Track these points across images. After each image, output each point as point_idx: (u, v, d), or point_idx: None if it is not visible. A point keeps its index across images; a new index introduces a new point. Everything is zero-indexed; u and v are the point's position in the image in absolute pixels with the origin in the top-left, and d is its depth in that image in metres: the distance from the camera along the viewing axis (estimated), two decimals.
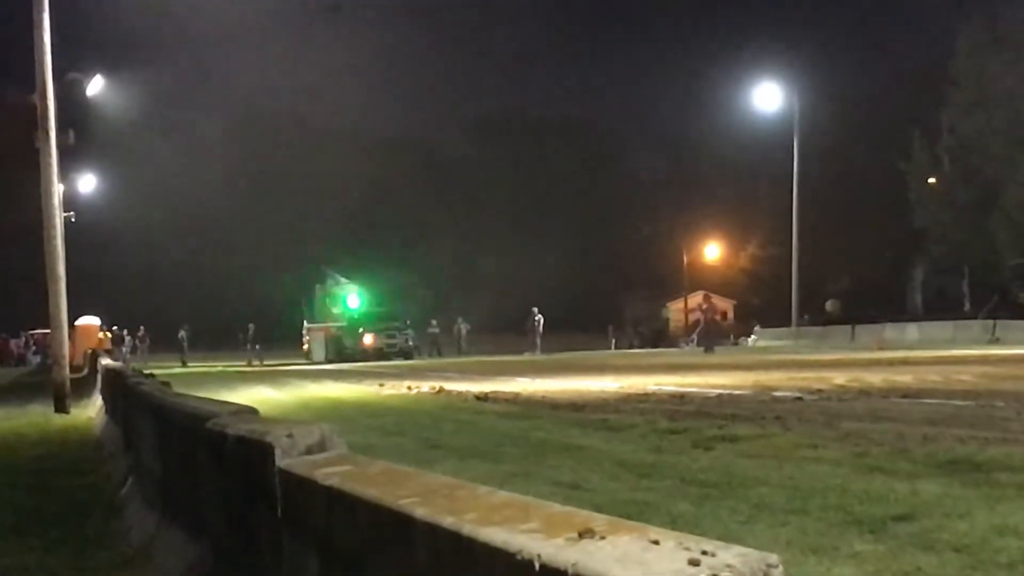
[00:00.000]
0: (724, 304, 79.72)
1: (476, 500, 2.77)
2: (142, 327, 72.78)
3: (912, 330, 57.70)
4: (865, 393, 18.20)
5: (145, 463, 10.12)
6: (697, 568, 1.86)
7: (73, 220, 56.37)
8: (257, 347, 68.68)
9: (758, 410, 15.42)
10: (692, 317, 70.50)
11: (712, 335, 53.53)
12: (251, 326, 70.13)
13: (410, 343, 64.05)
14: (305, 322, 69.02)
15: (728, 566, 1.86)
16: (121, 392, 14.53)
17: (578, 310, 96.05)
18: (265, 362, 65.25)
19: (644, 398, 19.39)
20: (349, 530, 3.34)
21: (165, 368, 47.49)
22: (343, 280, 68.73)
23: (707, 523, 7.29)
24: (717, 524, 7.27)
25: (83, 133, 33.68)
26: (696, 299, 79.21)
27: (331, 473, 3.59)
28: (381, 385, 28.67)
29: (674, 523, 7.02)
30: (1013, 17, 64.77)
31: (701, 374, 27.60)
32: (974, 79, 66.24)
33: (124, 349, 66.75)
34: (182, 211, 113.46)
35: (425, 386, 26.37)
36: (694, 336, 72.79)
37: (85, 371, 40.09)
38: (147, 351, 70.32)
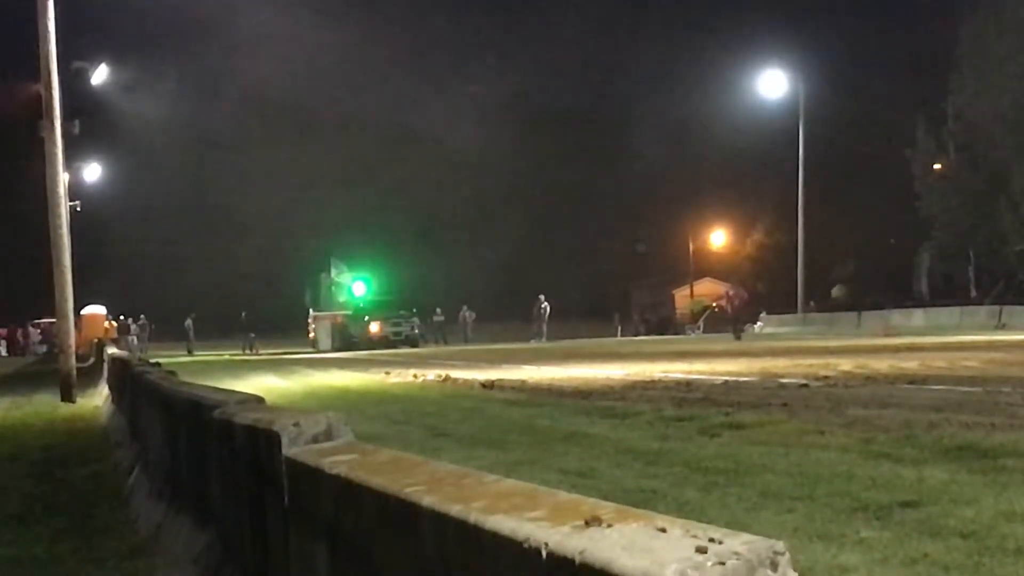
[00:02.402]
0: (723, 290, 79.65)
1: (483, 488, 2.78)
2: (142, 315, 72.86)
3: (918, 316, 57.64)
4: (871, 379, 18.19)
5: (152, 452, 10.15)
6: (704, 555, 1.86)
7: (79, 209, 56.49)
8: (252, 335, 68.80)
9: (764, 397, 15.43)
10: (718, 304, 70.33)
11: (741, 320, 53.29)
12: (244, 313, 70.30)
13: (415, 331, 64.07)
14: (311, 310, 69.15)
15: (735, 553, 1.86)
16: (127, 381, 14.56)
17: (584, 297, 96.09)
18: (259, 351, 65.38)
19: (650, 385, 19.39)
20: (356, 518, 3.34)
21: (171, 357, 47.58)
22: (348, 269, 68.82)
23: (714, 510, 7.30)
24: (724, 511, 7.28)
25: (88, 122, 33.66)
26: (706, 287, 79.44)
27: (338, 462, 3.59)
28: (387, 373, 28.69)
29: (681, 510, 7.03)
30: (1018, 3, 64.57)
31: (707, 361, 27.60)
32: (979, 65, 66.06)
33: (131, 338, 66.84)
34: (189, 199, 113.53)
35: (431, 374, 26.39)
36: (700, 323, 72.85)
37: (91, 360, 40.16)
38: (148, 340, 70.35)
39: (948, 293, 68.83)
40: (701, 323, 73.21)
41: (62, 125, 27.01)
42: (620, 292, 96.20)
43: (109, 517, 9.41)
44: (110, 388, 21.46)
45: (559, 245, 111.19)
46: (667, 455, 10.07)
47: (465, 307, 72.88)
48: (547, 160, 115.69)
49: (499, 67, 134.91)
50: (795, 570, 1.94)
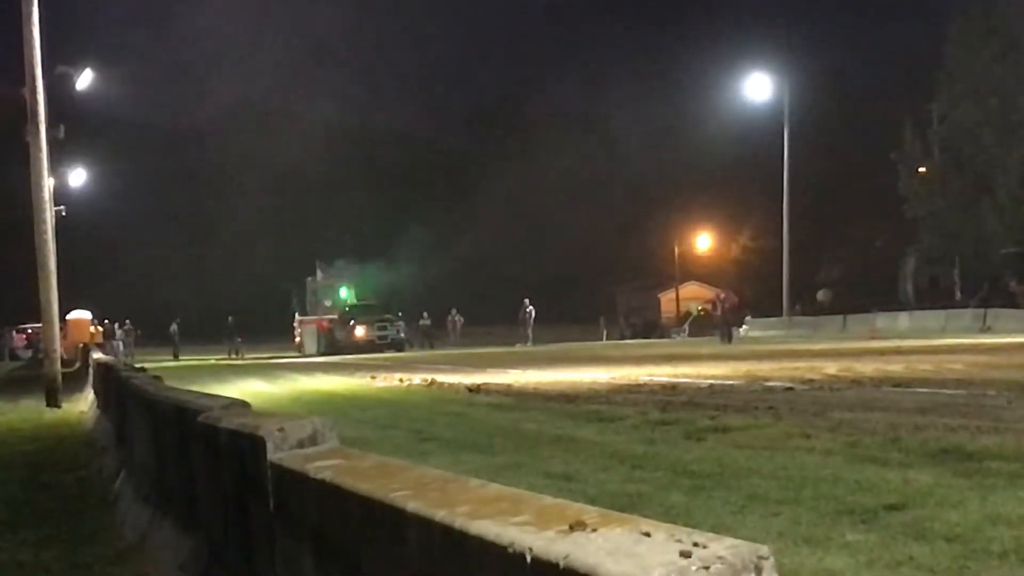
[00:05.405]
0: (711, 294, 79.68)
1: (468, 493, 2.78)
2: (128, 320, 72.61)
3: (904, 319, 57.71)
4: (857, 383, 18.21)
5: (138, 457, 10.12)
6: (688, 560, 1.86)
7: (64, 214, 56.33)
8: (238, 339, 68.74)
9: (750, 400, 15.44)
10: (704, 307, 70.47)
11: (729, 324, 53.10)
12: (231, 318, 70.21)
13: (401, 335, 63.95)
14: (296, 315, 69.09)
15: (719, 558, 1.86)
16: (113, 386, 14.52)
17: (570, 301, 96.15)
18: (244, 355, 65.36)
19: (636, 389, 19.40)
20: (342, 524, 3.34)
21: (157, 361, 47.49)
22: (334, 273, 68.79)
23: (700, 514, 7.30)
24: (710, 515, 7.28)
25: (73, 126, 33.60)
26: (691, 290, 79.50)
27: (323, 467, 3.59)
28: (373, 378, 28.67)
29: (667, 514, 7.03)
30: (1006, 7, 64.79)
31: (693, 365, 27.61)
32: (966, 69, 66.23)
33: (116, 343, 66.66)
34: (176, 203, 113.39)
35: (417, 378, 26.36)
36: (685, 327, 72.91)
37: (77, 365, 40.05)
38: (133, 344, 70.07)
39: (933, 296, 68.93)
40: (686, 326, 73.27)
41: (47, 130, 26.96)
42: (606, 295, 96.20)
43: (95, 523, 9.38)
44: (96, 393, 21.40)
45: (543, 247, 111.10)
46: (653, 459, 10.06)
47: (454, 310, 72.99)
48: (532, 163, 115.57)
49: (487, 71, 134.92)
50: (780, 574, 1.94)
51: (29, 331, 75.46)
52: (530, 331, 66.00)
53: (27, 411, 23.80)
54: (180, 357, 64.62)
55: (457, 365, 34.38)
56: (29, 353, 72.44)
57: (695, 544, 1.94)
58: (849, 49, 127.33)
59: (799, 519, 7.00)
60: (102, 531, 8.98)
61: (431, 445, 12.27)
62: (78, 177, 66.45)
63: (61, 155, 48.14)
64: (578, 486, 8.72)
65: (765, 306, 71.91)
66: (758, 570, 1.88)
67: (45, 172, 27.34)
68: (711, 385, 19.47)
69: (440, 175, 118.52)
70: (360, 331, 61.81)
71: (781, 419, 12.68)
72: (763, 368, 24.39)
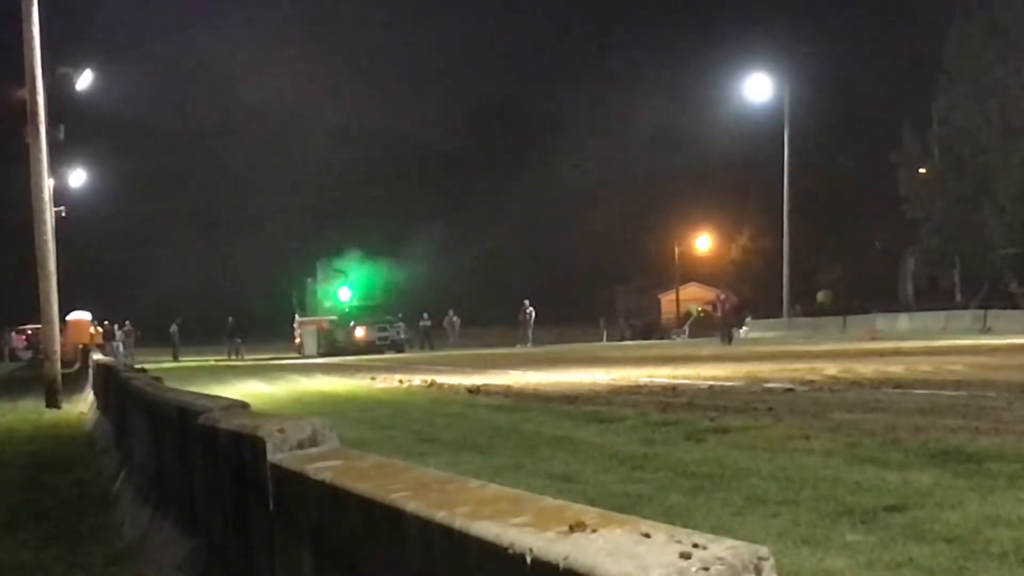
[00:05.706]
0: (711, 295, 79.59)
1: (468, 494, 2.78)
2: (128, 321, 72.49)
3: (904, 320, 57.72)
4: (857, 384, 18.20)
5: (137, 458, 10.13)
6: (688, 561, 1.86)
7: (64, 215, 56.32)
8: (238, 340, 68.69)
9: (750, 401, 15.43)
10: (704, 308, 70.44)
11: (729, 325, 53.04)
12: (231, 319, 70.16)
13: (402, 336, 63.96)
14: (296, 316, 68.98)
15: (719, 559, 1.86)
16: (113, 387, 14.52)
17: (570, 302, 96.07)
18: (244, 356, 65.30)
19: (636, 390, 19.39)
20: (341, 524, 3.34)
21: (157, 362, 47.47)
22: (335, 273, 68.66)
23: (699, 515, 7.30)
24: (709, 516, 7.28)
25: (74, 126, 33.58)
26: (692, 291, 79.49)
27: (323, 467, 3.59)
28: (373, 379, 28.66)
29: (667, 515, 7.03)
30: (1007, 7, 64.77)
31: (693, 366, 27.59)
32: (966, 69, 66.18)
33: (116, 344, 66.57)
34: (175, 204, 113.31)
35: (416, 379, 26.33)
36: (685, 328, 72.89)
37: (77, 366, 40.03)
38: (133, 345, 69.96)
39: (933, 297, 68.99)
40: (687, 328, 73.24)
41: (47, 131, 26.95)
42: (606, 296, 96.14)
43: (95, 523, 9.38)
44: (95, 394, 21.39)
45: (541, 249, 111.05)
46: (653, 459, 10.06)
47: (451, 312, 72.91)
48: (530, 163, 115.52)
49: (486, 73, 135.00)
50: (780, 575, 1.94)
51: (29, 332, 75.50)
52: (530, 332, 65.99)
53: (27, 412, 23.80)
54: (180, 358, 64.55)
55: (457, 366, 34.36)
56: (29, 354, 72.42)
57: (695, 545, 1.94)
58: (849, 50, 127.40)
59: (799, 520, 7.00)
60: (102, 531, 8.98)
61: (431, 446, 12.27)
62: (78, 177, 66.46)
63: (61, 155, 48.14)
64: (578, 487, 8.72)
65: (765, 307, 71.88)
66: (758, 571, 1.88)
67: (45, 173, 27.34)
68: (711, 386, 19.47)
69: (442, 177, 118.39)
70: (360, 332, 61.85)
71: (781, 420, 12.67)
72: (763, 369, 24.38)
